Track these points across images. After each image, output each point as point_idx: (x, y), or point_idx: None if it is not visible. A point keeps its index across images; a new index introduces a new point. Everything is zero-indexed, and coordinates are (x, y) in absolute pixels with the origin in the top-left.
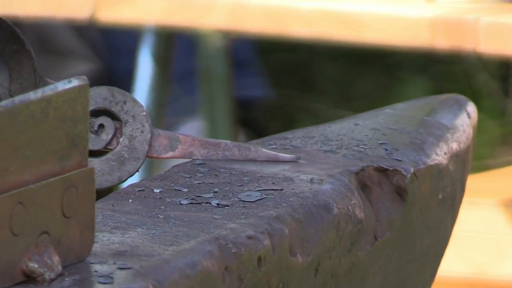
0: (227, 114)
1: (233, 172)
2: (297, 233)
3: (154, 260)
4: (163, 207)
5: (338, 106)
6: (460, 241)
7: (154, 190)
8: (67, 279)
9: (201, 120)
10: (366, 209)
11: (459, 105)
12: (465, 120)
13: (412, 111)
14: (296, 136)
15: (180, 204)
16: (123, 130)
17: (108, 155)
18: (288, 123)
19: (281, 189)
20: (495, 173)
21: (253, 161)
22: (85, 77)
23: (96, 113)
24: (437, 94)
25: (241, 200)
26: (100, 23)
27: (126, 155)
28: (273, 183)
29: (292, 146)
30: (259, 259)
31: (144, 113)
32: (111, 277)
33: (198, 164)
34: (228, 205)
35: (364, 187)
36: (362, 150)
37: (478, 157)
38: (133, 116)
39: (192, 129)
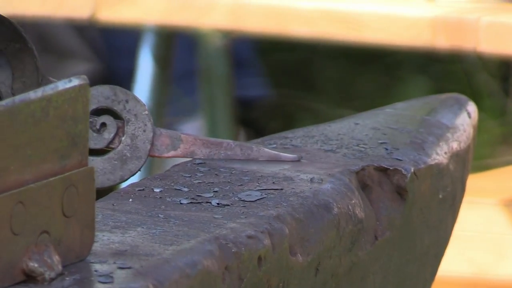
0: (227, 114)
1: (233, 172)
2: (297, 233)
3: (154, 260)
4: (163, 206)
5: (338, 106)
6: (460, 240)
7: (154, 190)
8: (67, 278)
9: (201, 120)
10: (366, 208)
11: (460, 105)
12: (465, 119)
13: (412, 110)
14: (296, 135)
15: (180, 203)
16: (125, 129)
17: (110, 154)
18: (288, 122)
19: (281, 189)
20: (496, 173)
21: (255, 160)
22: (85, 77)
23: (98, 111)
24: (438, 93)
25: (241, 200)
26: (100, 23)
27: (128, 154)
28: (273, 182)
29: (292, 145)
30: (259, 258)
31: (146, 112)
32: (111, 277)
33: (198, 164)
34: (228, 205)
35: (364, 187)
36: (362, 149)
37: (479, 156)
38: (135, 115)
39: (192, 129)
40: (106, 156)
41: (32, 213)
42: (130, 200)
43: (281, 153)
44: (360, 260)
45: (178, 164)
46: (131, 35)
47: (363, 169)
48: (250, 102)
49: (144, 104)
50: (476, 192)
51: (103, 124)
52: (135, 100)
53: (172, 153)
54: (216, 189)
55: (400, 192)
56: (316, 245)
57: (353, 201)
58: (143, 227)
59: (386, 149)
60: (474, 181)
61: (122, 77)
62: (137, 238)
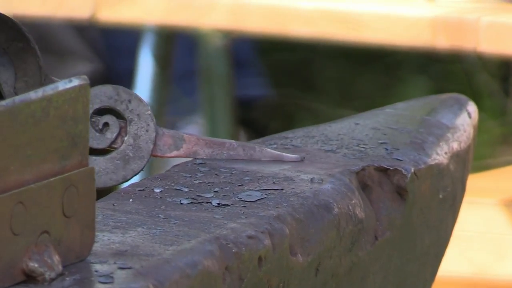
0: (227, 114)
1: (233, 172)
2: (297, 233)
3: (155, 260)
4: (163, 206)
5: (338, 106)
6: (460, 240)
7: (155, 190)
8: (67, 278)
9: (201, 119)
10: (366, 208)
11: (460, 105)
12: (465, 119)
13: (412, 110)
14: (296, 135)
15: (181, 203)
16: (128, 128)
17: (113, 154)
18: (289, 122)
19: (282, 189)
20: (496, 173)
21: (255, 161)
22: (85, 77)
23: (101, 111)
24: (438, 93)
25: (242, 200)
26: (100, 23)
27: (130, 154)
28: (273, 182)
29: (293, 145)
30: (260, 258)
31: (149, 112)
32: (112, 277)
33: (198, 164)
34: (228, 205)
35: (364, 187)
36: (363, 149)
37: (479, 156)
38: (138, 115)
39: (192, 129)
40: (108, 156)
41: (32, 213)
42: (131, 200)
43: (284, 154)
44: (360, 260)
45: (178, 164)
46: (131, 35)
47: (363, 169)
48: (250, 102)
49: (146, 104)
50: (476, 192)
51: (106, 124)
52: (138, 100)
53: (174, 153)
54: (216, 189)
55: (400, 192)
56: (316, 245)
57: (353, 201)
58: (143, 227)
59: (386, 149)
60: (474, 181)
61: (122, 77)
62: (137, 238)
